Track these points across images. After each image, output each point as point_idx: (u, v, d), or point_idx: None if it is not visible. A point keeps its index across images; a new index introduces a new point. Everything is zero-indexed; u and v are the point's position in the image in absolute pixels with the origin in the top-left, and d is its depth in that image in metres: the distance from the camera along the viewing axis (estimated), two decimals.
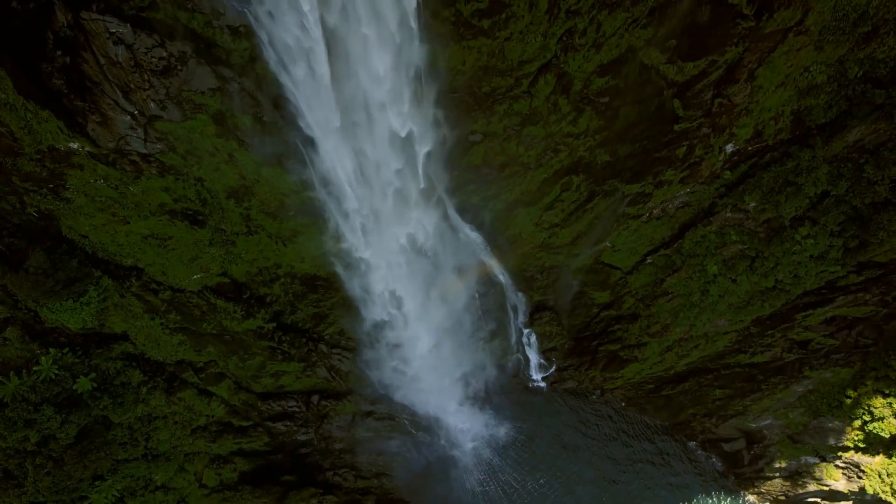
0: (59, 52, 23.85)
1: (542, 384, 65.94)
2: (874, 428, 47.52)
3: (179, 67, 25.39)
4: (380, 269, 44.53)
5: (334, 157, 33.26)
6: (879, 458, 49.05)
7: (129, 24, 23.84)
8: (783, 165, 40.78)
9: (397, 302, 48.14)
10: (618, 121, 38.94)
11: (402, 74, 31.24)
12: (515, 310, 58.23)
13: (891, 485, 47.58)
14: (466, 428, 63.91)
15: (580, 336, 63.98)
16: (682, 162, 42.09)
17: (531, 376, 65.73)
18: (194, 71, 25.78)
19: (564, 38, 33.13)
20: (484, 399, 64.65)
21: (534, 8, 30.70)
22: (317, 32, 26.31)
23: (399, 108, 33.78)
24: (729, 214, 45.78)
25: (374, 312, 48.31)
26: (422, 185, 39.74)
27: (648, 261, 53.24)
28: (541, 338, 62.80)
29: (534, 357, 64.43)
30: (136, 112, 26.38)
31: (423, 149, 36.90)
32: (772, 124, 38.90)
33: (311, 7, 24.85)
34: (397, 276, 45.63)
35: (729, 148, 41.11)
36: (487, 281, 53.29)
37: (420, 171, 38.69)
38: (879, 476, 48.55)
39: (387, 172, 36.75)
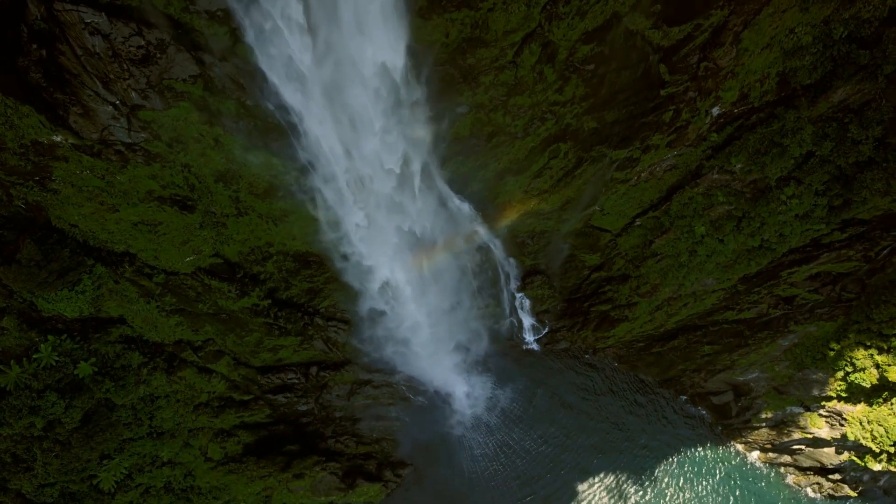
0: (34, 46, 23.35)
1: (536, 346, 67.27)
2: (856, 378, 49.19)
3: (159, 55, 24.96)
4: (372, 243, 44.75)
5: (319, 134, 33.06)
6: (861, 407, 50.94)
7: (104, 14, 23.30)
8: (769, 127, 40.94)
9: (390, 277, 48.63)
10: (604, 87, 38.73)
11: (388, 51, 30.85)
12: (507, 276, 58.91)
13: (871, 431, 49.59)
14: (463, 391, 65.39)
15: (572, 298, 64.98)
16: (668, 126, 42.11)
17: (525, 339, 66.98)
18: (174, 58, 25.35)
19: (548, 7, 32.68)
20: (480, 363, 65.98)
21: None
22: (297, 13, 25.90)
23: (384, 84, 33.44)
24: (716, 176, 46.10)
25: (368, 287, 48.82)
26: (408, 159, 39.63)
27: (637, 223, 53.72)
28: (533, 301, 63.72)
29: (527, 320, 65.51)
30: (117, 102, 26.02)
31: (410, 121, 36.63)
32: (757, 86, 38.85)
33: None
34: (385, 247, 45.77)
35: (715, 111, 41.11)
36: (478, 249, 53.74)
37: (407, 144, 38.53)
38: (860, 423, 50.52)
39: (374, 149, 36.62)
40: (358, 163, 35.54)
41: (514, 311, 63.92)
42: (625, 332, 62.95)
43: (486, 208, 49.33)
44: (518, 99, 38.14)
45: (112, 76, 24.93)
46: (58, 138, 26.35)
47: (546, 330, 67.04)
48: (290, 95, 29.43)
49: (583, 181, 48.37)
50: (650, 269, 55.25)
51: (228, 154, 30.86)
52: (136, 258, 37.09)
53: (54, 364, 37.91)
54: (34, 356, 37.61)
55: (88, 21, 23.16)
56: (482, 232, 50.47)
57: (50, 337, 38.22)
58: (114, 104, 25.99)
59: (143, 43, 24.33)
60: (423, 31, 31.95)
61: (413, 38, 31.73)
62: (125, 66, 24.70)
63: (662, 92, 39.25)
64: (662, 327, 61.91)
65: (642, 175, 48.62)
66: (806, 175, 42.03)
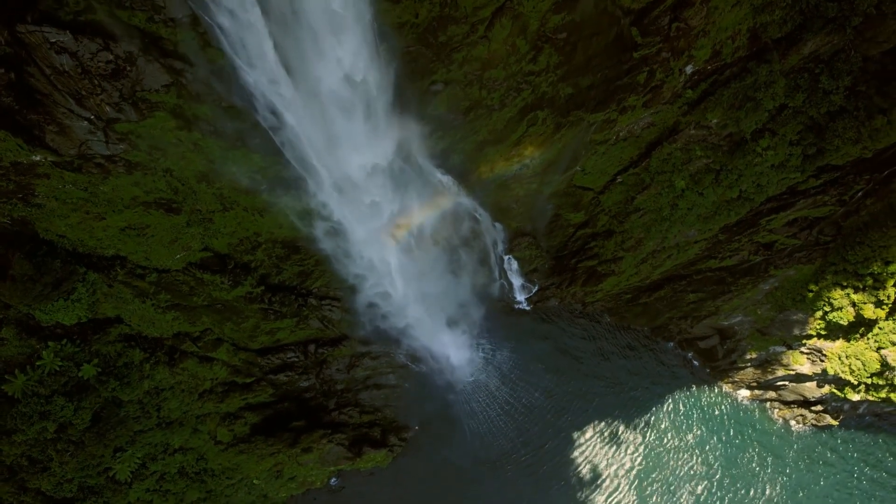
0: (2, 70, 23.07)
1: (527, 305, 68.83)
2: (834, 317, 51.22)
3: (129, 68, 24.73)
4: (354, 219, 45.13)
5: (297, 126, 33.08)
6: (839, 343, 53.23)
7: (68, 32, 22.94)
8: (742, 81, 41.31)
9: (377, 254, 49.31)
10: (577, 54, 38.71)
11: (359, 37, 30.64)
12: (495, 241, 59.75)
13: (849, 365, 51.98)
14: (459, 354, 67.19)
15: (559, 255, 66.17)
16: (643, 87, 42.30)
17: (516, 299, 68.43)
18: (144, 69, 25.12)
19: None
20: (473, 326, 67.52)
21: None
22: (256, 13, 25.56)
23: (357, 66, 33.28)
24: (693, 132, 46.67)
25: (356, 266, 49.54)
26: (386, 137, 39.77)
27: (619, 180, 54.38)
28: (521, 262, 64.82)
29: (516, 280, 66.76)
30: (92, 117, 25.88)
31: (385, 103, 36.64)
32: (729, 43, 39.02)
33: None
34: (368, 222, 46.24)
35: (689, 69, 41.31)
36: (464, 218, 54.40)
37: (384, 125, 38.60)
38: (839, 358, 52.89)
39: (350, 133, 36.68)
40: (338, 155, 35.75)
41: (503, 273, 65.09)
42: (612, 285, 64.51)
43: (469, 178, 49.70)
44: (493, 72, 38.08)
45: (84, 92, 24.76)
46: (37, 157, 26.31)
47: (536, 289, 68.45)
48: (264, 91, 29.32)
49: (563, 144, 48.66)
50: (634, 224, 56.30)
51: (209, 155, 30.91)
52: (126, 261, 37.45)
53: (58, 369, 38.71)
54: (37, 363, 38.35)
55: (54, 41, 22.84)
56: (466, 202, 50.98)
57: (50, 343, 38.89)
58: (89, 119, 25.87)
59: (111, 57, 24.08)
60: (393, 14, 31.68)
61: (382, 21, 31.46)
62: (96, 81, 24.50)
63: (636, 54, 39.30)
64: (648, 279, 63.52)
65: (621, 134, 49.02)
66: (780, 126, 42.71)
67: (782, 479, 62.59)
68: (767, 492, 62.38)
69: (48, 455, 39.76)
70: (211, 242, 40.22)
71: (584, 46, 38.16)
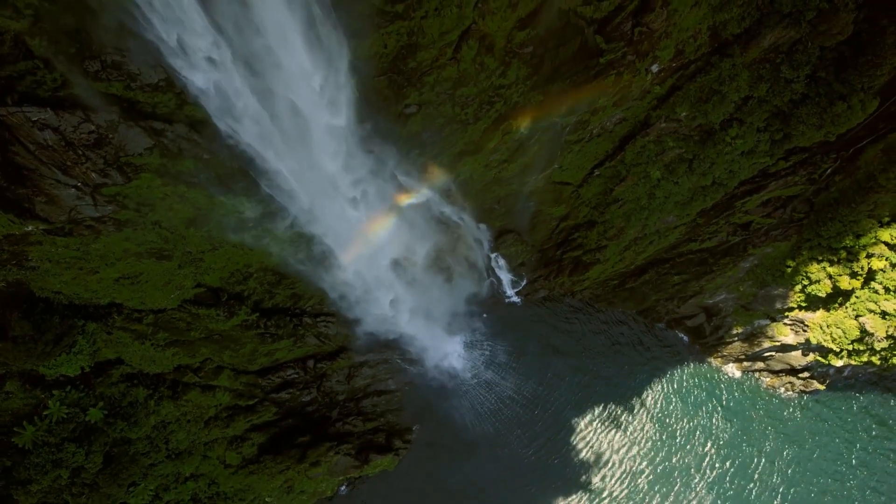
0: None
1: (518, 298, 70.21)
2: (812, 290, 53.08)
3: (111, 136, 25.22)
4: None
5: (279, 165, 33.81)
6: (819, 313, 55.17)
7: (48, 108, 23.40)
8: (707, 75, 42.39)
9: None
10: (545, 65, 39.47)
11: (331, 78, 31.35)
12: (480, 242, 60.79)
13: (831, 334, 53.96)
14: (455, 352, 68.54)
15: (544, 248, 67.42)
16: (612, 88, 43.22)
17: (506, 293, 69.76)
18: (126, 134, 25.61)
19: (479, 5, 32.99)
20: (467, 324, 68.83)
21: None
22: (227, 58, 26.13)
23: (332, 103, 34.02)
24: (664, 125, 47.78)
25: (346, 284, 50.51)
26: (367, 162, 40.55)
27: (596, 173, 55.51)
28: (508, 258, 66.01)
29: (505, 276, 68.03)
30: (79, 184, 26.41)
31: (362, 132, 37.37)
32: (692, 42, 39.97)
33: (214, 40, 24.53)
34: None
35: (654, 68, 42.22)
36: (446, 224, 55.32)
37: (362, 151, 39.35)
38: (820, 328, 54.86)
39: (329, 163, 37.49)
40: (319, 190, 36.58)
41: (491, 271, 66.29)
42: (598, 273, 65.98)
43: (449, 187, 50.58)
44: (464, 90, 38.77)
45: (70, 163, 25.23)
46: (29, 228, 26.82)
47: (524, 282, 69.81)
48: (244, 137, 29.94)
49: (538, 146, 49.59)
50: (614, 214, 57.60)
51: (195, 204, 31.49)
52: (122, 307, 38.05)
53: (65, 416, 39.42)
54: (44, 413, 39.03)
55: (35, 119, 23.27)
56: (449, 211, 51.90)
57: (55, 391, 39.50)
58: (76, 186, 26.36)
59: (93, 128, 24.56)
60: (362, 48, 32.28)
61: (354, 57, 32.11)
62: (80, 151, 24.98)
63: (602, 60, 40.09)
64: (633, 264, 65.08)
65: (594, 132, 50.04)
66: (746, 116, 43.93)
67: (777, 443, 65.04)
68: (764, 456, 64.80)
69: (64, 500, 40.60)
70: (203, 279, 40.89)
71: (551, 57, 38.94)
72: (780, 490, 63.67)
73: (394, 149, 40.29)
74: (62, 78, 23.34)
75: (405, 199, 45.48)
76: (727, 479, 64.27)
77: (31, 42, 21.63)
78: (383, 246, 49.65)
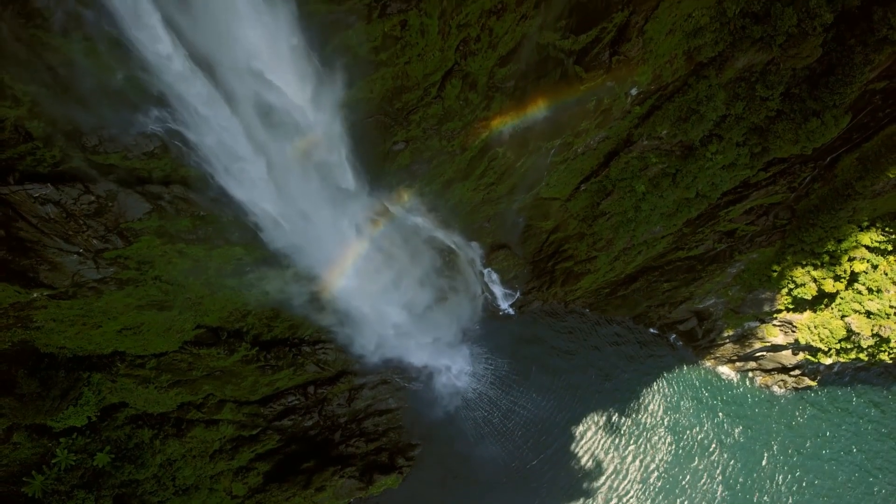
0: None
1: (512, 311, 71.19)
2: (798, 293, 54.47)
3: (110, 204, 25.94)
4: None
5: (272, 210, 34.60)
6: (807, 314, 56.57)
7: (49, 184, 24.11)
8: (685, 95, 43.52)
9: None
10: (527, 96, 40.47)
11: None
12: (472, 261, 61.71)
13: (818, 334, 55.35)
14: (454, 367, 69.38)
15: (536, 260, 68.44)
16: (594, 112, 44.31)
17: (501, 307, 70.70)
18: (125, 202, 26.35)
19: (461, 47, 33.94)
20: (464, 339, 69.74)
21: (425, 33, 31.36)
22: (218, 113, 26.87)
23: (325, 147, 34.88)
24: (646, 142, 48.92)
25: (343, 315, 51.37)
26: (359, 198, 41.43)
27: (583, 188, 56.59)
28: (501, 272, 66.95)
29: (498, 290, 68.97)
30: (81, 251, 27.14)
31: (353, 172, 38.24)
32: (668, 66, 41.08)
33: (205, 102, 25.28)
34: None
35: (633, 91, 43.33)
36: (438, 246, 56.27)
37: (355, 186, 40.21)
38: (808, 329, 56.26)
39: (321, 203, 38.37)
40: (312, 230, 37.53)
41: (485, 286, 67.23)
42: (590, 282, 67.15)
43: (439, 211, 51.48)
44: (449, 125, 39.66)
45: (71, 232, 25.93)
46: (34, 295, 27.53)
47: (518, 294, 70.80)
48: (238, 192, 30.71)
49: (525, 168, 50.60)
50: (602, 227, 58.72)
51: (193, 257, 32.21)
52: (125, 354, 38.70)
53: (73, 463, 39.94)
54: (52, 461, 39.59)
55: (37, 195, 23.95)
56: (440, 235, 52.80)
57: (62, 439, 40.06)
58: (78, 253, 27.08)
59: (93, 198, 25.26)
60: (348, 95, 33.12)
61: (342, 103, 32.99)
62: (81, 221, 25.68)
63: (582, 87, 41.14)
64: (623, 273, 66.26)
65: (579, 150, 51.07)
66: (726, 132, 45.10)
67: (772, 439, 66.55)
68: (762, 453, 66.29)
69: None
70: (203, 320, 41.58)
71: (532, 88, 39.94)
72: (783, 480, 65.42)
73: (384, 185, 41.18)
74: (61, 153, 24.02)
75: (394, 223, 46.31)
76: (730, 470, 65.74)
77: (31, 125, 22.30)
78: (378, 272, 50.31)
